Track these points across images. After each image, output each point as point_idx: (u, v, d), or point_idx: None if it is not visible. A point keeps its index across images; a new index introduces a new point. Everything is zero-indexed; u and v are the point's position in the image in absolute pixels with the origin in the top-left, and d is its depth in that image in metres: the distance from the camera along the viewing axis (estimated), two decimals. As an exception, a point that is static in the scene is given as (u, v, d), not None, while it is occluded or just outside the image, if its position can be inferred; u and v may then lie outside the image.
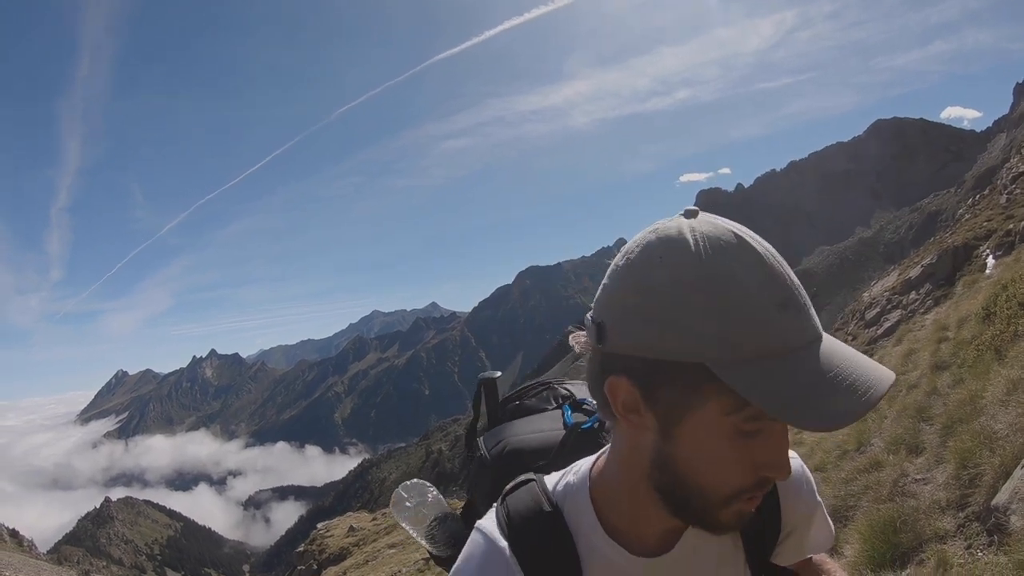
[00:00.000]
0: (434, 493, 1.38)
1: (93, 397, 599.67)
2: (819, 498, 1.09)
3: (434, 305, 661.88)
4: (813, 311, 0.78)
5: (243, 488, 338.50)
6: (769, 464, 0.80)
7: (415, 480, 1.42)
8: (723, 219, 0.81)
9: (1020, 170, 22.96)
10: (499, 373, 1.40)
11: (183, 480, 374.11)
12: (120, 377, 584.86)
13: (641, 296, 0.79)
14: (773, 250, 0.78)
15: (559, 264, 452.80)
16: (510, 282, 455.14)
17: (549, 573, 0.89)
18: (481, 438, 1.31)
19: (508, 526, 0.92)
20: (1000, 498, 3.59)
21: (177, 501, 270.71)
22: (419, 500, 1.37)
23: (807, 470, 1.09)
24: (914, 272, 19.85)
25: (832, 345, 0.78)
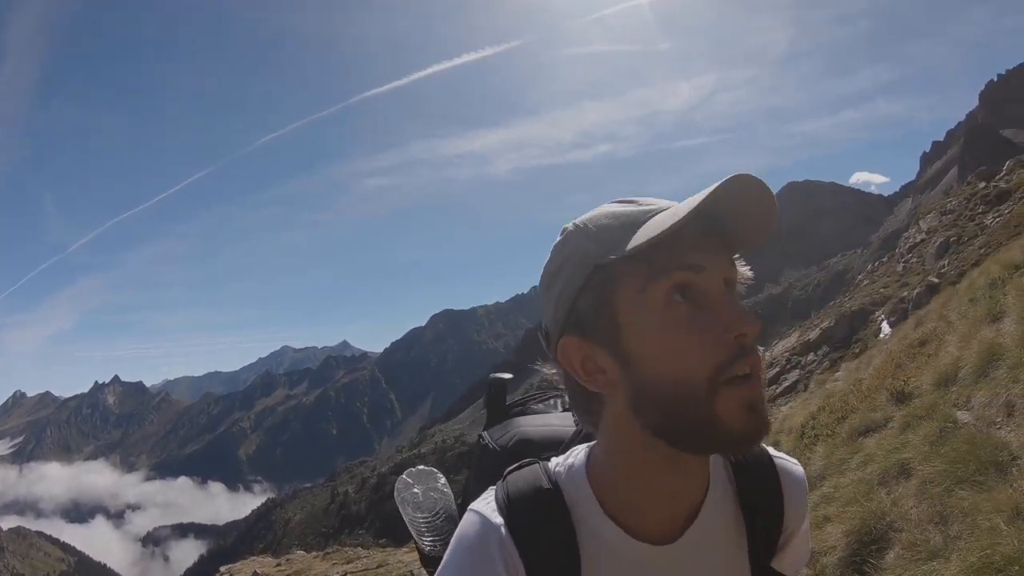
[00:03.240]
0: (443, 481, 1.34)
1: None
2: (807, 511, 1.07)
3: (345, 344, 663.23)
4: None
5: (142, 523, 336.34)
6: (731, 322, 0.78)
7: (421, 467, 1.38)
8: None
9: (917, 240, 23.63)
10: (510, 376, 1.38)
11: (79, 512, 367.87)
12: (18, 398, 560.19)
13: (547, 269, 0.90)
14: (663, 208, 0.84)
15: (473, 309, 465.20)
16: (423, 324, 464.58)
17: (544, 551, 0.86)
18: (486, 432, 1.28)
19: (506, 503, 0.89)
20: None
21: (72, 534, 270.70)
22: (429, 486, 1.32)
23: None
24: (813, 334, 20.64)
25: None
